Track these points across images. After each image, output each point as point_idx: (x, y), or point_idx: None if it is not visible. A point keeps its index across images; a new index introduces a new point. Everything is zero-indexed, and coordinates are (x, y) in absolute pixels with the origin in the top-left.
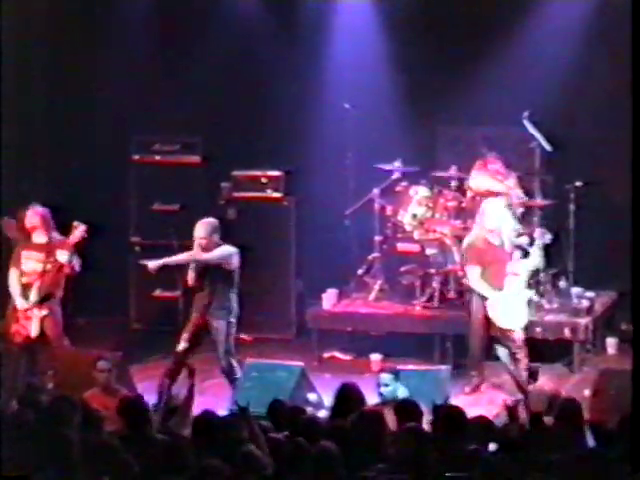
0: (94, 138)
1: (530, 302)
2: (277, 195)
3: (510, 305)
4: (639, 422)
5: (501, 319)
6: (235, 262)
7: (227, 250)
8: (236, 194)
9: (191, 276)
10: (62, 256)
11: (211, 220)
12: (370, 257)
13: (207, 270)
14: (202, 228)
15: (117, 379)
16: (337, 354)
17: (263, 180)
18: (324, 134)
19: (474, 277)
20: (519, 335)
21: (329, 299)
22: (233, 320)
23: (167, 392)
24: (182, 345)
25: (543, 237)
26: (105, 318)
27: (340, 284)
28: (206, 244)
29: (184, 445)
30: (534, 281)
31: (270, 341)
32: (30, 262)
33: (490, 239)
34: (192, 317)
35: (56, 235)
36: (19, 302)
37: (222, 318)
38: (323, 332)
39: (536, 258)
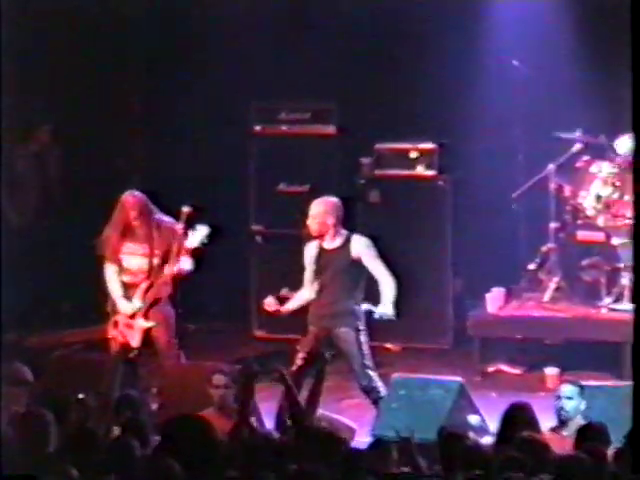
0: (205, 105)
1: None
2: (430, 173)
3: None
4: (639, 423)
5: None
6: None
7: (365, 241)
8: (379, 172)
9: (309, 278)
10: (185, 264)
11: (330, 199)
12: (544, 248)
13: (326, 269)
14: (315, 206)
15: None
16: (504, 367)
17: (412, 154)
18: (487, 97)
19: None
20: None
21: (494, 300)
22: (363, 326)
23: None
24: (298, 364)
25: None
26: (221, 323)
27: (508, 282)
28: (317, 225)
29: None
30: None
31: (422, 351)
32: (134, 258)
33: None
34: (309, 330)
35: (160, 218)
36: (123, 305)
37: (348, 326)
38: (487, 341)
39: None
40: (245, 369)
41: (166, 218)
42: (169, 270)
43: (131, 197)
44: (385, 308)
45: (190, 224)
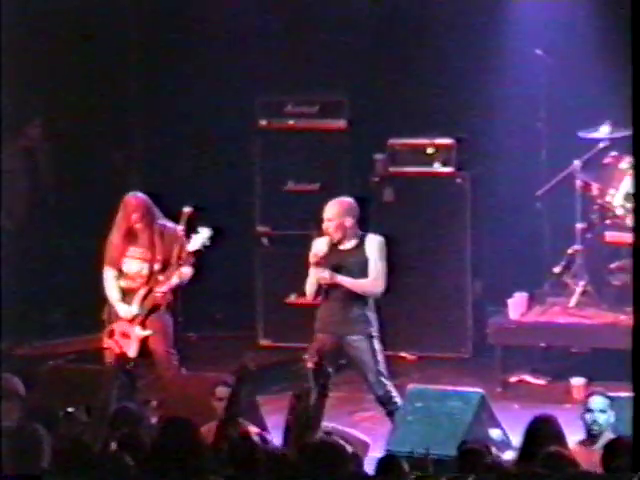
0: (207, 97)
1: None
2: (447, 170)
3: None
4: (639, 423)
5: None
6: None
7: (379, 240)
8: (393, 169)
9: (311, 284)
10: (186, 270)
11: (344, 199)
12: (570, 250)
13: (338, 271)
14: (330, 208)
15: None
16: (527, 377)
17: (429, 150)
18: (509, 90)
19: None
20: None
21: (516, 306)
22: (376, 333)
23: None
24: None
25: None
26: (225, 332)
27: (531, 286)
28: (335, 229)
29: None
30: None
31: (440, 361)
32: (133, 262)
33: None
34: (316, 337)
35: (164, 224)
36: (122, 309)
37: (361, 333)
38: (509, 349)
39: None
40: (240, 368)
41: (170, 224)
42: (169, 277)
43: (133, 199)
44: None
45: (191, 225)
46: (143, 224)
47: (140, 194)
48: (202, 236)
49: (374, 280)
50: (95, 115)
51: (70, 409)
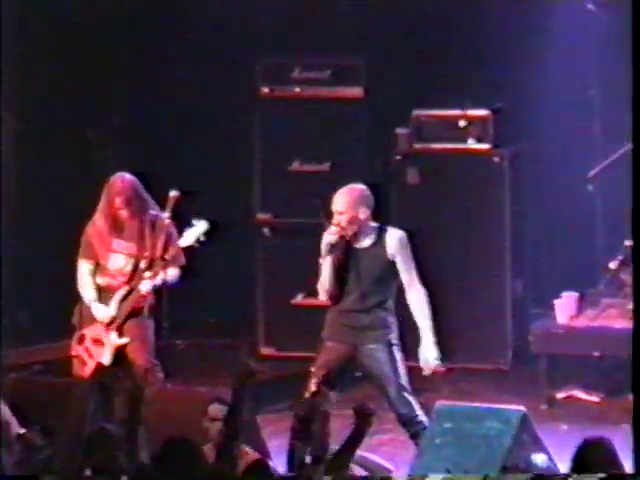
0: (199, 60)
1: None
2: (482, 146)
3: None
4: (639, 423)
5: None
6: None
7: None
8: (419, 145)
9: (324, 283)
10: (173, 272)
11: (357, 187)
12: (628, 242)
13: (353, 271)
14: (340, 198)
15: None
16: (578, 393)
17: (461, 123)
18: (554, 51)
19: None
20: None
21: (565, 308)
22: (396, 340)
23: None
24: (312, 390)
25: None
26: (219, 339)
27: (582, 284)
28: (348, 223)
29: None
30: None
31: (474, 373)
32: (116, 257)
33: None
34: (325, 347)
35: (156, 214)
36: (100, 311)
37: (379, 341)
38: (556, 359)
39: None
40: (242, 369)
41: (156, 211)
42: (155, 274)
43: (120, 180)
44: (428, 353)
45: (179, 213)
46: (129, 212)
47: (128, 176)
48: (197, 230)
49: (417, 290)
50: (68, 86)
51: (22, 430)
